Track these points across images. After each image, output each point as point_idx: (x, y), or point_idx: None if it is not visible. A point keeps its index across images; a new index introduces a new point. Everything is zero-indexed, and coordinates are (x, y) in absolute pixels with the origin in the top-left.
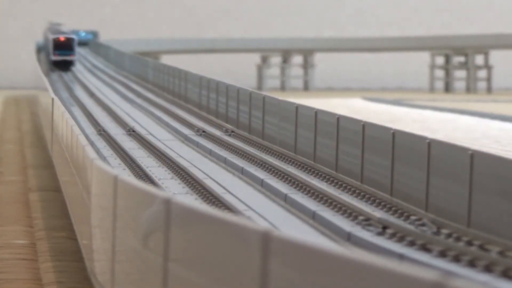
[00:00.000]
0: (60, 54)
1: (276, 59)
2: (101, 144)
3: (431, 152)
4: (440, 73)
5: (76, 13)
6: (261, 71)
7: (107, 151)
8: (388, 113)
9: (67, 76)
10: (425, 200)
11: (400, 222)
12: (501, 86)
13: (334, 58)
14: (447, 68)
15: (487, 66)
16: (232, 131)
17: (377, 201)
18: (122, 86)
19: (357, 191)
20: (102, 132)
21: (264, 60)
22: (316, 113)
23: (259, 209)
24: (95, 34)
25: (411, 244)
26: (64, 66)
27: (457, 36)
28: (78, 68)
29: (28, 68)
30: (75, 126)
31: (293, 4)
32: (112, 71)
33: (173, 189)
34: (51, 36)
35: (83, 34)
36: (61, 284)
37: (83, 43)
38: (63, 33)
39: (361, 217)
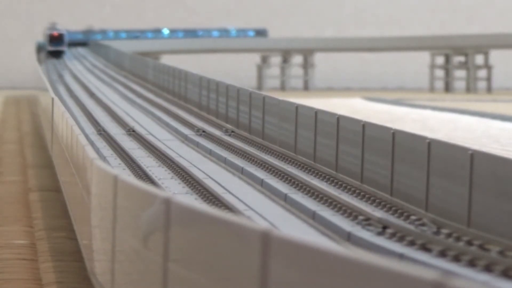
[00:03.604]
0: (53, 45)
1: (276, 59)
2: (101, 144)
3: (431, 152)
4: (440, 73)
5: (76, 13)
6: (261, 71)
7: (107, 151)
8: (388, 113)
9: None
10: (425, 200)
11: (400, 222)
12: (501, 86)
13: (334, 58)
14: (447, 68)
15: (487, 66)
16: (232, 131)
17: (377, 201)
18: (122, 86)
19: (357, 191)
20: (102, 132)
21: (264, 60)
22: (316, 113)
23: (259, 209)
24: (263, 31)
25: (411, 244)
26: (57, 55)
27: (457, 36)
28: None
29: (28, 68)
30: (75, 126)
31: (293, 4)
32: (112, 71)
33: (173, 189)
34: (47, 32)
35: (251, 33)
36: (61, 284)
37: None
38: (56, 29)
39: (361, 217)
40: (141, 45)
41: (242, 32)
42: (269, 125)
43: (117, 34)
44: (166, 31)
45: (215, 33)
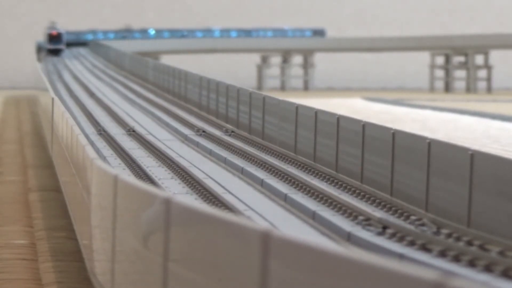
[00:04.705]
0: (53, 44)
1: (276, 59)
2: (101, 144)
3: (431, 152)
4: (440, 73)
5: (76, 13)
6: (261, 71)
7: (107, 151)
8: (388, 113)
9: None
10: (425, 200)
11: (400, 222)
12: (501, 86)
13: (334, 58)
14: (447, 68)
15: (487, 66)
16: (232, 131)
17: (377, 201)
18: (122, 86)
19: (357, 191)
20: (102, 132)
21: (264, 60)
22: (316, 113)
23: (259, 209)
24: (321, 31)
25: (411, 244)
26: (56, 52)
27: (457, 36)
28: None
29: (28, 68)
30: (75, 126)
31: (293, 4)
32: (112, 71)
33: (173, 189)
34: (47, 31)
35: (308, 33)
36: (61, 284)
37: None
38: (55, 29)
39: (361, 217)
40: (189, 43)
41: (299, 32)
42: (269, 125)
43: (159, 33)
44: (216, 30)
45: (270, 33)
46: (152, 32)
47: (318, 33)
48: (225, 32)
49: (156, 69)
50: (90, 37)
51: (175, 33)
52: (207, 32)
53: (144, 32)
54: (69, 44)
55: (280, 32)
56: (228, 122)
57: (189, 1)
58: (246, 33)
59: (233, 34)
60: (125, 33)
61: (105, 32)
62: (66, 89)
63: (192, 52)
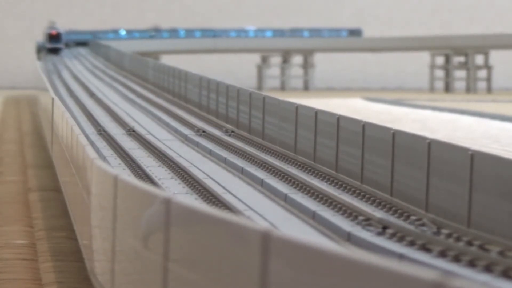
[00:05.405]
0: (52, 43)
1: (276, 59)
2: (101, 144)
3: (431, 152)
4: (440, 73)
5: (76, 13)
6: (261, 71)
7: (107, 151)
8: (388, 113)
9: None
10: (425, 200)
11: (400, 222)
12: (501, 86)
13: (334, 58)
14: (447, 68)
15: (487, 66)
16: (232, 131)
17: (377, 201)
18: (122, 86)
19: (357, 191)
20: (102, 132)
21: (264, 60)
22: (316, 113)
23: (259, 209)
24: (357, 31)
25: (411, 244)
26: (55, 51)
27: (457, 36)
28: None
29: (28, 68)
30: (75, 126)
31: (293, 4)
32: (112, 71)
33: (173, 189)
34: (47, 31)
35: (344, 33)
36: (61, 284)
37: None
38: (55, 28)
39: (361, 217)
40: (221, 43)
41: (335, 32)
42: (269, 125)
43: (189, 33)
44: (251, 30)
45: (306, 34)
46: (181, 32)
47: (354, 33)
48: (260, 32)
49: (156, 69)
50: (111, 36)
51: (207, 33)
52: (241, 32)
53: (173, 31)
54: (85, 44)
55: (316, 33)
56: (228, 122)
57: (189, 1)
58: (280, 33)
59: (268, 34)
60: (153, 33)
61: (129, 32)
62: (66, 89)
63: (225, 51)
